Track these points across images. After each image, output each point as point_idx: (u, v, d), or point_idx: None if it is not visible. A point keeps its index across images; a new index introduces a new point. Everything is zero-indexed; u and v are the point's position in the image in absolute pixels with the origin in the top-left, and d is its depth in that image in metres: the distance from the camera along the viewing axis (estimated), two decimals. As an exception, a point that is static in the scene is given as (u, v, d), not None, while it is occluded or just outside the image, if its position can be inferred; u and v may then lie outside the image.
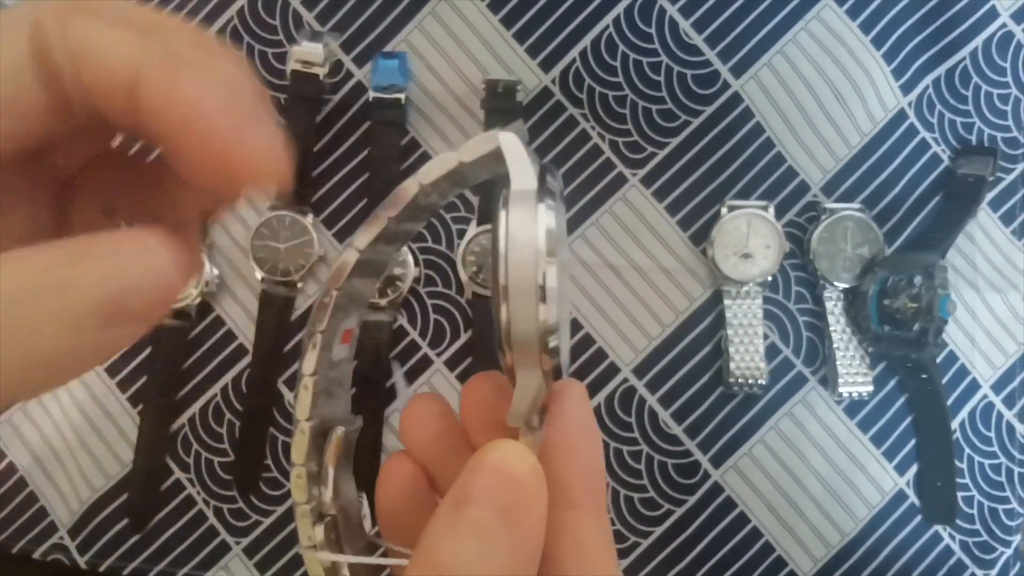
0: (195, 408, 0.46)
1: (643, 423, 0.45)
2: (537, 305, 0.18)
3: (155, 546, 0.46)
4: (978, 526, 0.46)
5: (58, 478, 0.47)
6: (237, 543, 0.46)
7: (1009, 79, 0.47)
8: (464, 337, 0.46)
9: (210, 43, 0.17)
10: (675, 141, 0.46)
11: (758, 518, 0.45)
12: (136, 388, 0.46)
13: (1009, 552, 0.46)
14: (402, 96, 0.45)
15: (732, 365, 0.45)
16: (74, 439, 0.47)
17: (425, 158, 0.46)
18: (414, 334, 0.46)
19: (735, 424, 0.46)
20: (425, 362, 0.46)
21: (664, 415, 0.45)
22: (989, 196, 0.48)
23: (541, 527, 0.19)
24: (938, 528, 0.46)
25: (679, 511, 0.45)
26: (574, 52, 0.46)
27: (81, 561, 0.46)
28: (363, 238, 0.21)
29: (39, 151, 0.17)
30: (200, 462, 0.46)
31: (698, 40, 0.46)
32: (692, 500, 0.45)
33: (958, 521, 0.46)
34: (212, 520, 0.46)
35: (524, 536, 0.18)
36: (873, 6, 0.47)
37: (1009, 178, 0.48)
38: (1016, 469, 0.47)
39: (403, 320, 0.46)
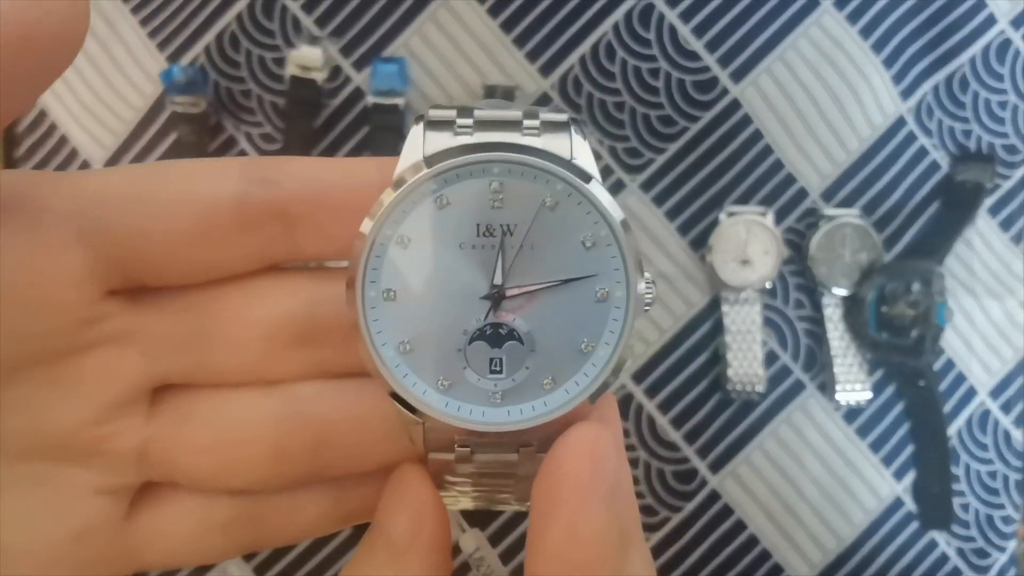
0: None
1: (641, 429, 0.45)
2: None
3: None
4: (974, 532, 0.46)
5: None
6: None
7: (1007, 86, 0.47)
8: None
9: None
10: (674, 147, 0.46)
11: (755, 524, 0.45)
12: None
13: (1004, 558, 0.46)
14: (401, 101, 0.45)
15: (730, 371, 0.45)
16: None
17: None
18: None
19: (733, 430, 0.46)
20: None
21: (662, 421, 0.46)
22: (988, 202, 0.48)
23: (429, 554, 0.19)
24: (934, 534, 0.46)
25: (676, 517, 0.45)
26: (573, 57, 0.46)
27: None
28: None
29: None
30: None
31: (697, 46, 0.46)
32: (690, 506, 0.45)
33: (954, 527, 0.46)
34: None
35: (410, 559, 0.18)
36: (872, 12, 0.47)
37: (1007, 184, 0.48)
38: (1012, 475, 0.47)
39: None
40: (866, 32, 0.47)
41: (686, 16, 0.46)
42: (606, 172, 0.46)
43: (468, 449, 0.18)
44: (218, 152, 0.46)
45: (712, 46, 0.46)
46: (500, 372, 0.18)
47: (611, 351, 0.18)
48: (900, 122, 0.47)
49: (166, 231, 0.18)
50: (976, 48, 0.47)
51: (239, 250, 0.19)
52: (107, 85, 0.46)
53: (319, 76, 0.45)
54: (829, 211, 0.46)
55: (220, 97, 0.46)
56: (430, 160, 0.18)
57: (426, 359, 0.18)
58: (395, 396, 0.18)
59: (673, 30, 0.46)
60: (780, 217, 0.47)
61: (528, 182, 0.18)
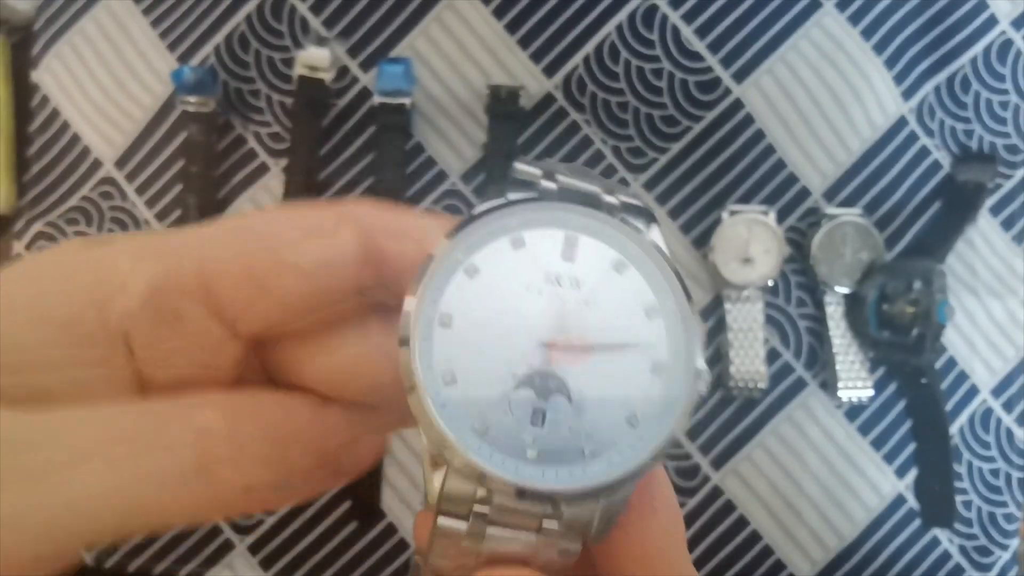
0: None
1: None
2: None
3: (160, 543, 0.46)
4: (976, 530, 0.46)
5: None
6: (241, 540, 0.46)
7: (1009, 86, 0.48)
8: None
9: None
10: (677, 146, 0.47)
11: (757, 521, 0.46)
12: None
13: (1007, 556, 0.47)
14: (406, 101, 0.46)
15: (733, 369, 0.45)
16: None
17: (429, 163, 0.47)
18: None
19: (735, 427, 0.46)
20: None
21: (664, 418, 0.46)
22: (989, 202, 0.48)
23: None
24: (936, 532, 0.46)
25: (679, 513, 0.46)
26: (577, 58, 0.46)
27: (88, 557, 0.46)
28: None
29: None
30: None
31: (700, 47, 0.47)
32: (692, 503, 0.46)
33: (956, 525, 0.46)
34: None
35: None
36: (874, 13, 0.47)
37: (1009, 184, 0.48)
38: (1014, 474, 0.47)
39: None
40: (868, 33, 0.47)
41: (689, 17, 0.46)
42: (609, 171, 0.47)
43: (486, 513, 0.17)
44: (227, 151, 0.47)
45: (715, 47, 0.47)
46: (541, 427, 0.17)
47: (660, 429, 0.17)
48: (902, 122, 0.48)
49: (282, 317, 0.18)
50: (977, 48, 0.48)
51: (347, 304, 0.19)
52: (118, 85, 0.47)
53: (327, 76, 0.46)
54: (831, 210, 0.47)
55: (229, 97, 0.47)
56: (514, 202, 0.18)
57: (468, 395, 0.17)
58: (428, 427, 0.17)
59: (676, 31, 0.46)
60: (782, 216, 0.47)
61: (601, 241, 0.18)
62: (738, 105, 0.47)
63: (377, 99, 0.46)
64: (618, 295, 0.18)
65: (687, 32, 0.46)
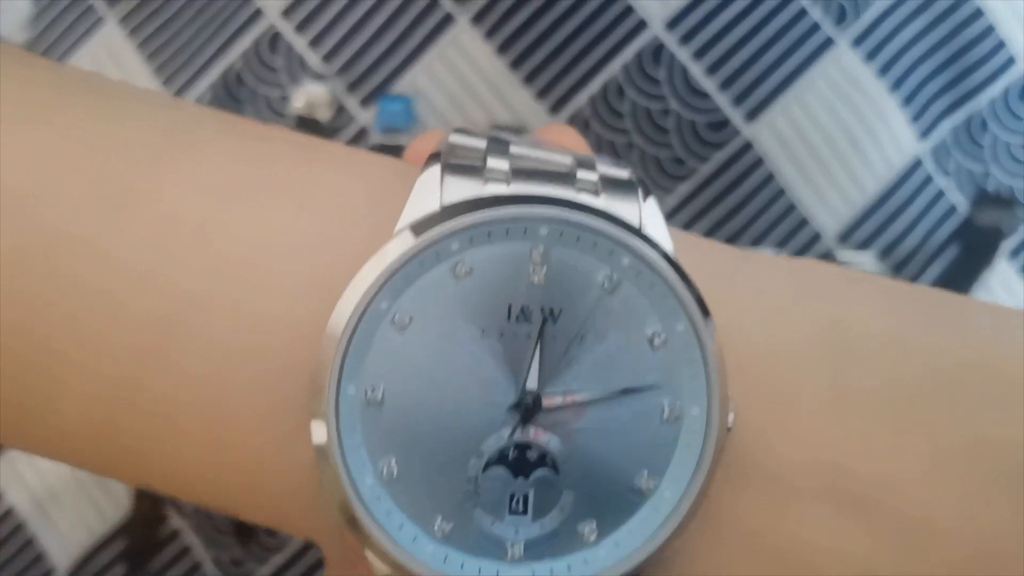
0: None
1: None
2: None
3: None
4: None
5: (58, 523, 0.46)
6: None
7: (1028, 128, 0.46)
8: None
9: None
10: (684, 188, 0.45)
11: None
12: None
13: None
14: (406, 140, 0.45)
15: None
16: (73, 482, 0.46)
17: (429, 204, 0.45)
18: None
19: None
20: None
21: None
22: (1007, 246, 0.47)
23: None
24: None
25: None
26: (582, 98, 0.45)
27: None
28: None
29: None
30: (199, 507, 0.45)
31: (709, 85, 0.45)
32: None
33: None
34: (211, 568, 0.45)
35: None
36: (890, 51, 0.46)
37: (1027, 227, 0.47)
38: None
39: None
40: (884, 71, 0.46)
41: (698, 55, 0.45)
42: (615, 213, 0.45)
43: None
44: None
45: (725, 86, 0.45)
46: (524, 512, 0.13)
47: (680, 493, 0.13)
48: (917, 164, 0.46)
49: None
50: (995, 90, 0.46)
51: None
52: (112, 121, 0.46)
53: (324, 114, 0.45)
54: (844, 256, 0.45)
55: (225, 135, 0.46)
56: (450, 210, 0.13)
57: (419, 490, 0.13)
58: (372, 547, 0.13)
59: (684, 70, 0.45)
60: (793, 260, 0.46)
61: (583, 253, 0.13)
62: (748, 146, 0.45)
63: (376, 138, 0.45)
64: (612, 324, 0.13)
65: (696, 71, 0.45)
